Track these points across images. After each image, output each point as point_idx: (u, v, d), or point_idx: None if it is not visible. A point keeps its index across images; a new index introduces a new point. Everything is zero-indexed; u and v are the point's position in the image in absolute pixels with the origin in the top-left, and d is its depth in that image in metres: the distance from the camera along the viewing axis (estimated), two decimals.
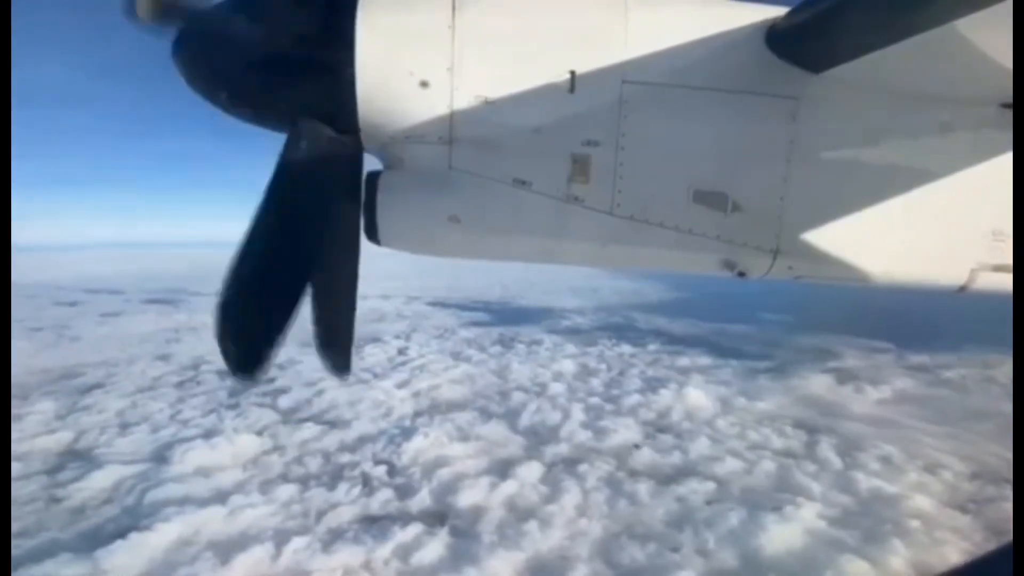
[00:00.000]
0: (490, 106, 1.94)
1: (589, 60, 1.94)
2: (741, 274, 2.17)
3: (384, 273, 75.66)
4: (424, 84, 1.91)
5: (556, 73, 1.93)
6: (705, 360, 38.03)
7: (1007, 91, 1.99)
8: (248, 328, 2.04)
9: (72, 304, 61.51)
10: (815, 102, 2.01)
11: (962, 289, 2.28)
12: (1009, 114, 2.07)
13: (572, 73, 1.93)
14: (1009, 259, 2.20)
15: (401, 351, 39.70)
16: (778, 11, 1.95)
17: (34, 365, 36.59)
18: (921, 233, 2.20)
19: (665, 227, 2.07)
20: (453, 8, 1.91)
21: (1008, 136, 2.06)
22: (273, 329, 1.98)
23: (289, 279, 2.02)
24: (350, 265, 2.15)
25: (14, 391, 30.88)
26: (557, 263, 2.32)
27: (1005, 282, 2.23)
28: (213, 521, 17.45)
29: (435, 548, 16.50)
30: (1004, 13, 1.36)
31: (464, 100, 1.93)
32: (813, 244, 2.12)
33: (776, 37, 1.94)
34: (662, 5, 2.03)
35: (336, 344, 2.24)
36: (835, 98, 2.02)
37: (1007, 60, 1.69)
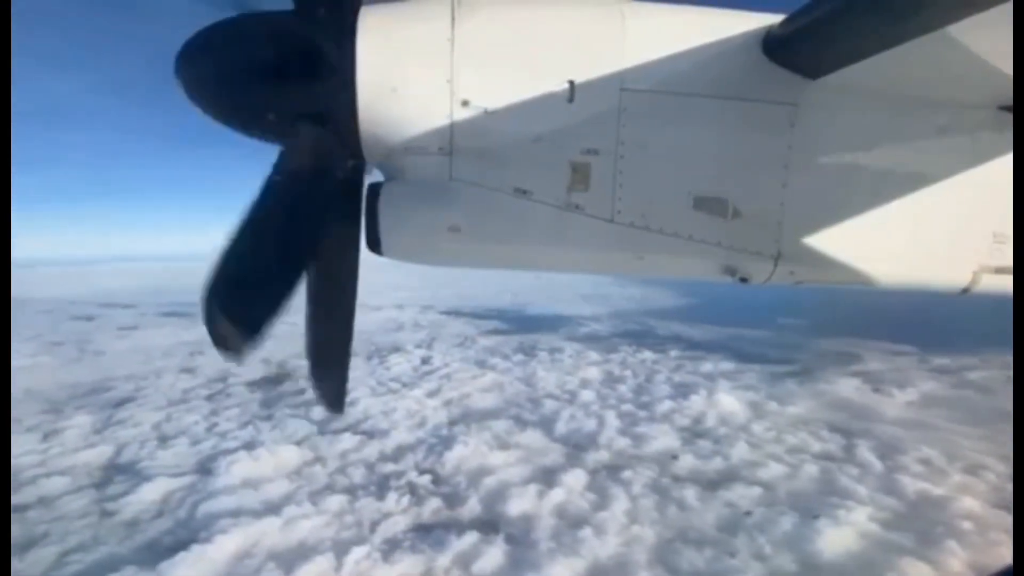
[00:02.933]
0: (490, 116, 1.95)
1: (587, 69, 1.95)
2: (743, 280, 2.16)
3: (392, 284, 75.88)
4: (424, 96, 1.93)
5: (555, 83, 1.94)
6: (728, 365, 38.13)
7: (1004, 94, 2.01)
8: (237, 306, 2.03)
9: (89, 318, 61.61)
10: (812, 108, 2.02)
11: (965, 291, 2.28)
12: (1006, 116, 2.08)
13: (571, 82, 1.94)
14: (1011, 261, 2.20)
15: (425, 360, 39.80)
16: (774, 18, 1.97)
17: (62, 379, 36.69)
18: (922, 236, 2.21)
19: (666, 234, 2.07)
20: (452, 21, 1.92)
21: (1006, 138, 2.06)
22: (263, 311, 2.00)
23: (283, 267, 2.03)
24: (349, 285, 2.17)
25: (46, 406, 31.01)
26: (558, 271, 2.32)
27: (1008, 284, 2.22)
28: (270, 532, 17.51)
29: (494, 556, 16.56)
30: (998, 17, 1.37)
31: (464, 111, 1.94)
32: (814, 249, 2.13)
33: (772, 44, 1.95)
34: (659, 14, 2.05)
35: (331, 376, 2.24)
36: (832, 103, 2.03)
37: (1002, 63, 1.72)
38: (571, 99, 1.94)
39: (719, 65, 1.97)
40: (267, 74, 1.98)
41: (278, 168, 1.98)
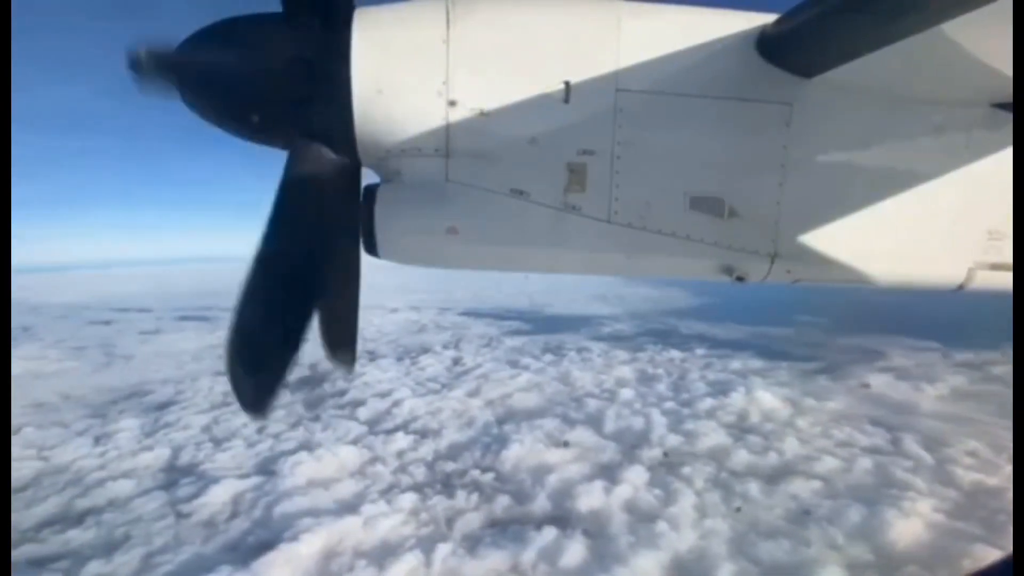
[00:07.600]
0: (486, 118, 1.95)
1: (583, 70, 1.96)
2: (739, 279, 2.18)
3: (401, 286, 76.17)
4: (420, 97, 1.93)
5: (550, 84, 1.95)
6: (757, 363, 38.68)
7: (997, 91, 2.04)
8: (259, 365, 2.05)
9: (106, 323, 61.45)
10: (808, 107, 2.03)
11: (960, 288, 2.30)
12: (1000, 114, 2.10)
13: (566, 83, 1.95)
14: (1006, 257, 2.22)
15: (456, 361, 40.11)
16: (768, 18, 1.97)
17: (97, 384, 36.74)
18: (918, 233, 2.23)
19: (663, 234, 2.08)
20: (447, 23, 1.93)
21: (999, 135, 2.09)
22: (283, 365, 2.01)
23: (296, 312, 2.03)
24: (352, 282, 2.20)
25: (88, 410, 31.09)
26: (556, 272, 2.30)
27: (1003, 280, 2.24)
28: (353, 531, 17.77)
29: (577, 550, 16.91)
30: (992, 15, 1.38)
31: (460, 113, 1.95)
32: (810, 247, 2.15)
33: (767, 43, 1.97)
34: (654, 15, 2.05)
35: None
36: (827, 102, 2.05)
37: (996, 61, 1.74)
38: (567, 100, 1.95)
39: (714, 65, 2.00)
40: (261, 77, 1.98)
41: (283, 188, 1.98)
